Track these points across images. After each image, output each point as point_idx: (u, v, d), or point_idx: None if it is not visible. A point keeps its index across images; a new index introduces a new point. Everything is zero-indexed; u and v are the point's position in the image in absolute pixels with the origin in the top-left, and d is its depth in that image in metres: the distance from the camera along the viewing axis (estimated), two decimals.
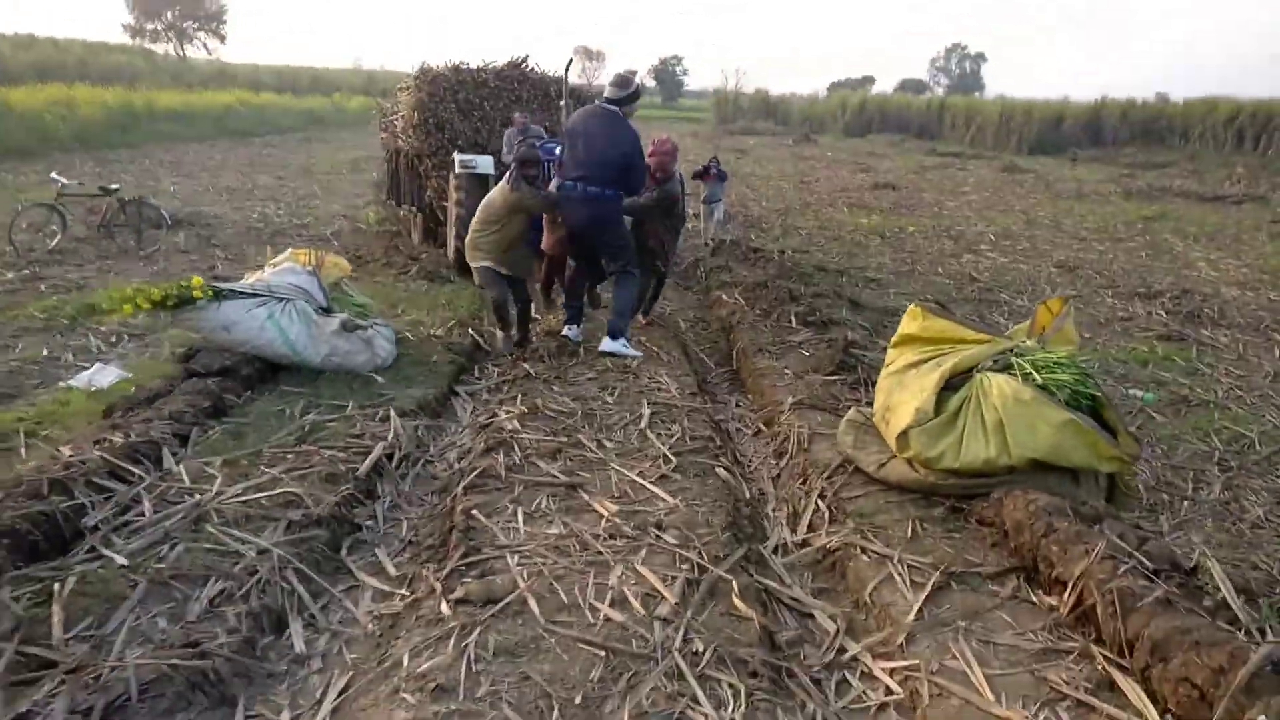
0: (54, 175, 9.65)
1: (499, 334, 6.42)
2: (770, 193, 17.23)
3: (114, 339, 6.29)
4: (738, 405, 5.64)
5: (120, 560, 2.95)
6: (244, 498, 3.44)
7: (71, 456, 3.48)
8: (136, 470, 3.50)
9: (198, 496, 3.41)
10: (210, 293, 4.69)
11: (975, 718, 2.40)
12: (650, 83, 77.42)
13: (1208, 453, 4.92)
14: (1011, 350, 3.78)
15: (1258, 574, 3.31)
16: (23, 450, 4.10)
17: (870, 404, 4.22)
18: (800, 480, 4.04)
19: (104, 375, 5.30)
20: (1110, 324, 8.00)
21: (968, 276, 9.83)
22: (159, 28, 58.91)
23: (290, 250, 5.87)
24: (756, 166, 22.78)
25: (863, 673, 2.72)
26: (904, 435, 3.62)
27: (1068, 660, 2.61)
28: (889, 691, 2.60)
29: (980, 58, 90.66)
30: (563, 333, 6.29)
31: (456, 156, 8.60)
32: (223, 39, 62.37)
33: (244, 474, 3.67)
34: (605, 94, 6.08)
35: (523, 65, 10.51)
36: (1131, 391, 5.94)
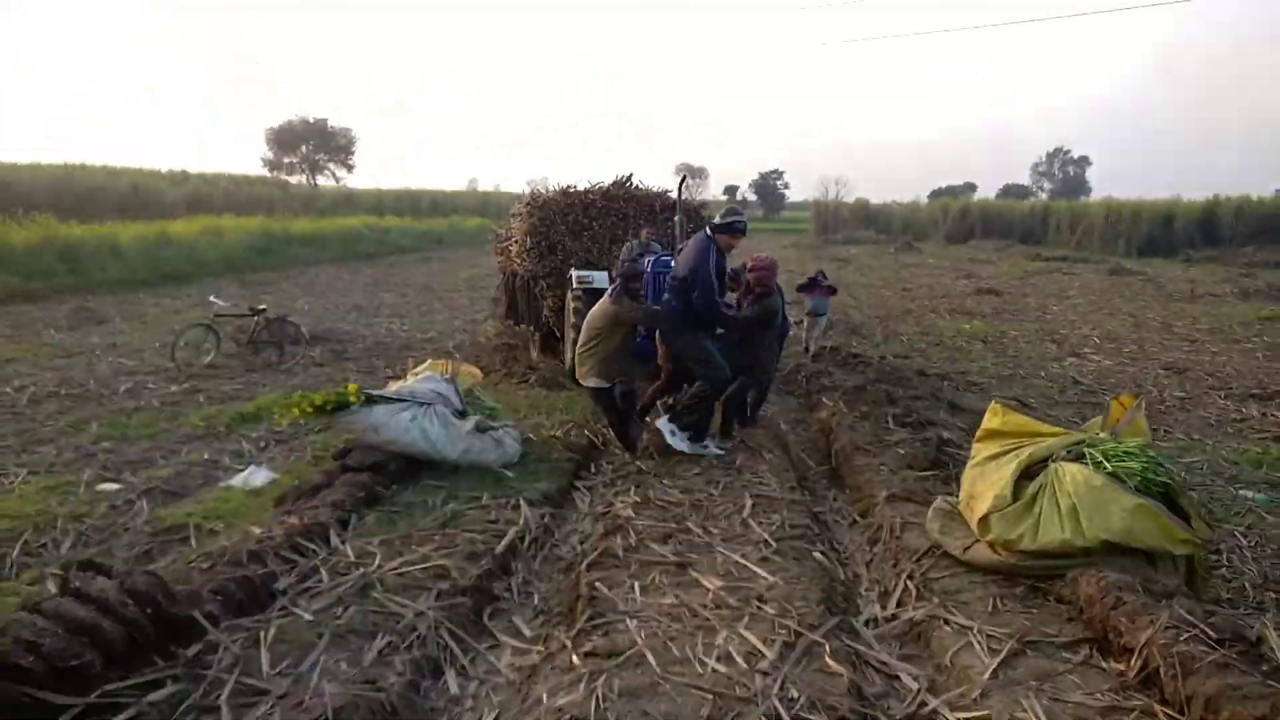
0: (212, 299, 10.82)
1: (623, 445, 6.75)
2: (871, 300, 17.56)
3: (263, 444, 7.02)
4: (835, 499, 5.93)
5: (307, 617, 3.57)
6: (400, 570, 4.01)
7: (261, 534, 4.12)
8: (311, 546, 4.12)
9: (363, 569, 4.00)
10: (363, 398, 5.42)
11: None
12: (751, 196, 79.44)
13: None
14: (1084, 442, 4.08)
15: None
16: (193, 540, 4.78)
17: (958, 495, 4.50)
18: (892, 563, 4.33)
19: (257, 476, 6.01)
20: (1222, 425, 7.96)
21: (1070, 379, 9.91)
22: (294, 160, 64.22)
23: (429, 360, 6.61)
24: (858, 275, 23.20)
25: None
26: (985, 520, 3.94)
27: (1130, 716, 2.83)
28: None
29: (1084, 161, 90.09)
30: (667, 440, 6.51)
31: (573, 274, 9.05)
32: (350, 168, 67.69)
33: (398, 551, 4.24)
34: (715, 221, 6.60)
35: (627, 184, 10.90)
36: (1242, 492, 5.97)
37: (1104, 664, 3.19)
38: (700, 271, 6.18)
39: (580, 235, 10.20)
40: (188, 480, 6.04)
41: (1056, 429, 4.27)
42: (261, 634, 3.37)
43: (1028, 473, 4.01)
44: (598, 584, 3.90)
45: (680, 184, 9.39)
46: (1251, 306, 16.44)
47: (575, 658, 3.22)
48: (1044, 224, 38.38)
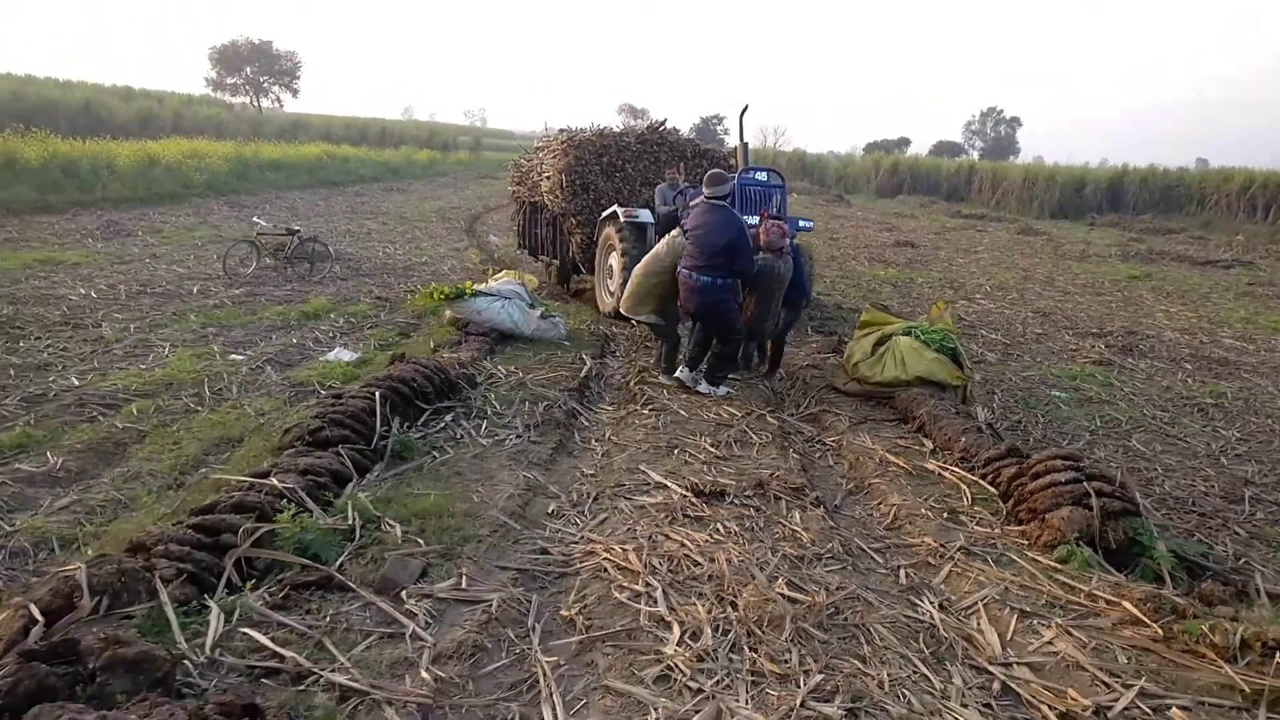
0: (255, 219, 12.83)
1: (663, 376, 7.62)
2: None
3: (331, 334, 9.19)
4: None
5: (502, 390, 6.70)
6: (534, 379, 7.09)
7: (447, 356, 7.19)
8: (474, 370, 7.06)
9: (514, 377, 7.12)
10: (471, 291, 8.32)
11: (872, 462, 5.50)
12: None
13: (1088, 426, 7.57)
14: (913, 327, 7.29)
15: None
16: (320, 392, 6.80)
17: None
18: (804, 392, 7.65)
19: (344, 354, 8.19)
20: (1062, 353, 10.59)
21: (957, 318, 12.50)
22: (238, 81, 63.99)
23: (505, 270, 9.18)
24: None
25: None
26: (855, 366, 7.28)
27: (909, 442, 5.99)
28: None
29: (1015, 121, 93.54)
30: (676, 375, 7.41)
31: (619, 209, 9.69)
32: (295, 93, 67.70)
33: (525, 371, 7.45)
34: (707, 193, 7.09)
35: (661, 128, 11.45)
36: (1052, 391, 8.62)
37: (903, 427, 6.43)
38: (747, 239, 6.96)
39: (613, 176, 10.71)
40: (291, 355, 8.11)
41: (899, 320, 7.59)
42: (485, 394, 6.41)
43: (880, 341, 7.22)
44: (643, 386, 7.11)
45: (741, 114, 9.90)
46: (1128, 267, 19.25)
47: (644, 411, 6.41)
48: (968, 183, 41.31)
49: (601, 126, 11.44)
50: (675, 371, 7.38)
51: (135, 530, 3.86)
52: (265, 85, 65.35)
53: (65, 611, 2.83)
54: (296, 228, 12.87)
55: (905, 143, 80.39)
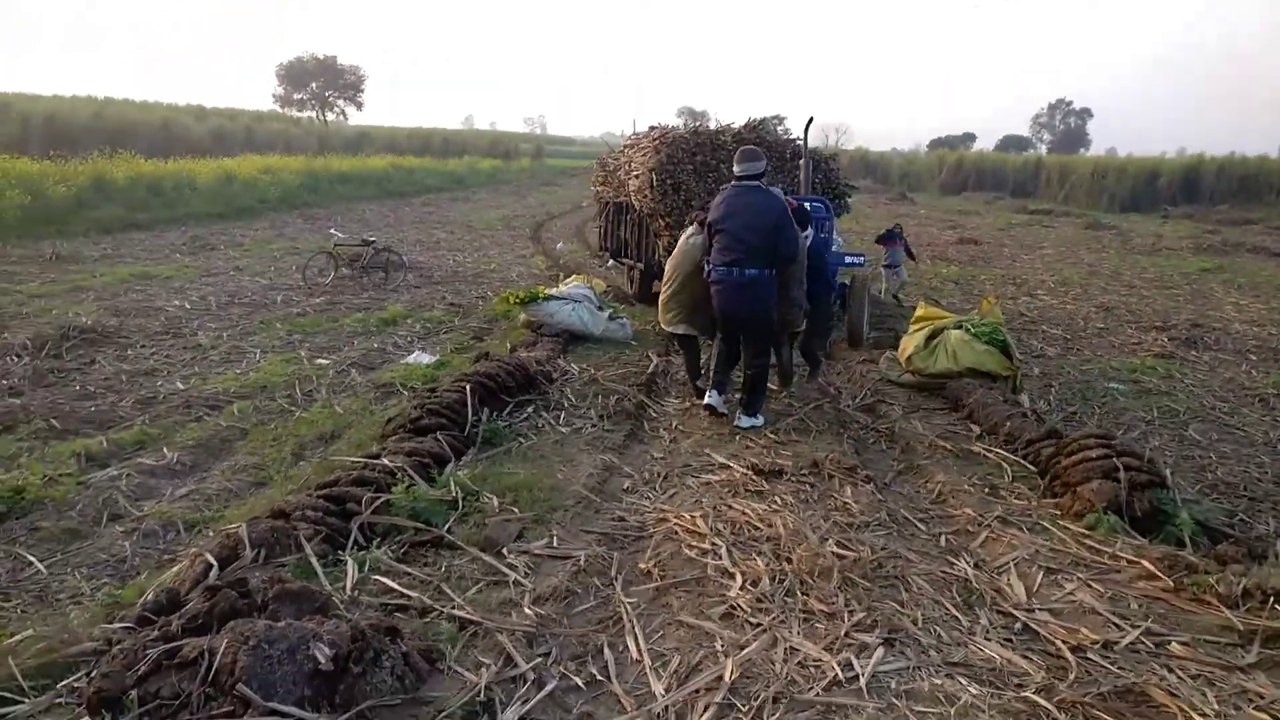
0: (331, 231, 13.70)
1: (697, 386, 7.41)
2: (863, 247, 20.34)
3: (410, 339, 9.87)
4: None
5: (577, 385, 7.45)
6: (605, 376, 7.72)
7: (525, 355, 7.88)
8: (550, 367, 7.71)
9: (586, 374, 7.69)
10: (544, 295, 9.00)
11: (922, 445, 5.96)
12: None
13: (1145, 417, 7.86)
14: (964, 321, 7.71)
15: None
16: (403, 392, 7.36)
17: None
18: (861, 384, 8.02)
19: (423, 357, 8.83)
20: (1123, 347, 10.73)
21: (1018, 314, 12.76)
22: (304, 97, 66.37)
23: (575, 275, 9.81)
24: (852, 223, 25.95)
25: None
26: (909, 359, 7.63)
27: (959, 426, 6.44)
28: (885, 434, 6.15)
29: (1085, 113, 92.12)
30: (706, 401, 6.87)
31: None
32: (360, 106, 70.02)
33: (597, 369, 8.07)
34: (738, 171, 6.40)
35: (759, 128, 10.95)
36: (1110, 384, 8.90)
37: (953, 415, 6.87)
38: (790, 219, 6.44)
39: (706, 177, 10.12)
40: (373, 359, 8.74)
41: (951, 314, 8.13)
42: (561, 389, 7.09)
43: (933, 335, 7.63)
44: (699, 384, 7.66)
45: (807, 126, 9.44)
46: (1199, 259, 19.06)
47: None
48: (1035, 178, 41.09)
49: (696, 124, 11.16)
50: (705, 396, 6.90)
51: (268, 503, 4.55)
52: (330, 100, 67.81)
53: (232, 560, 3.52)
54: (371, 238, 13.71)
55: (970, 139, 79.73)
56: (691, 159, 10.13)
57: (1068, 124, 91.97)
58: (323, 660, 2.62)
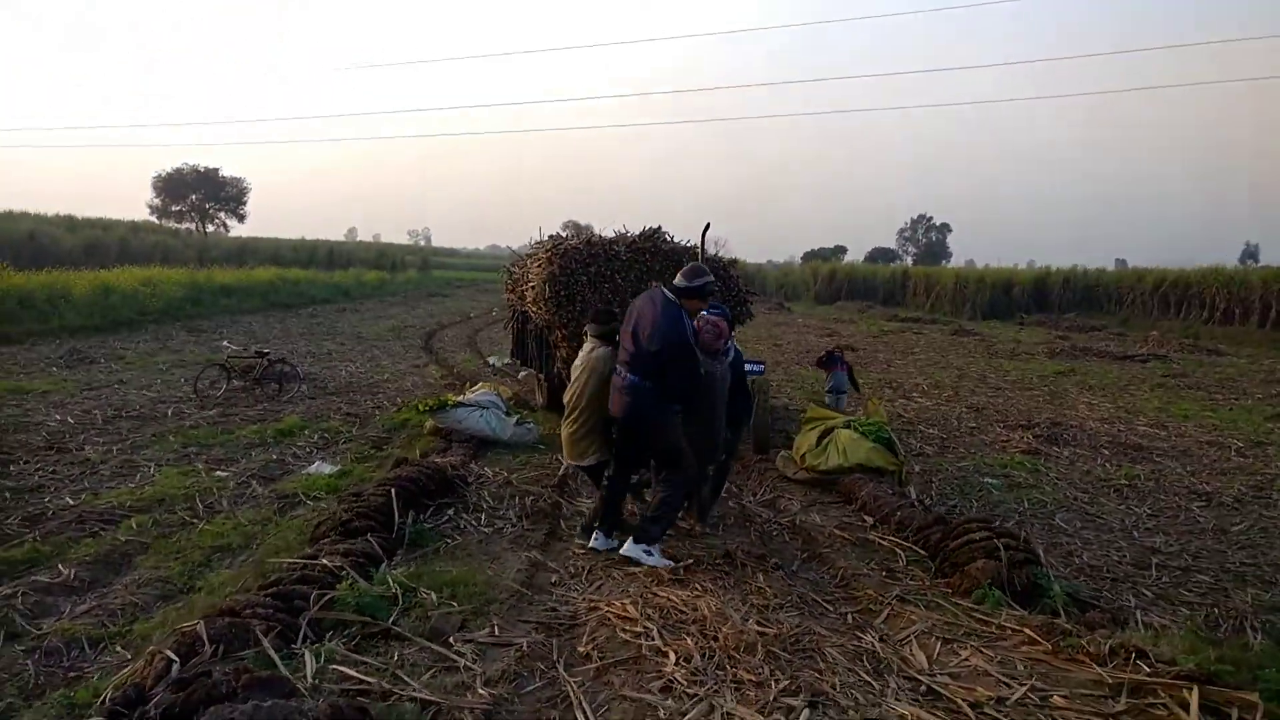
0: (224, 343, 13.67)
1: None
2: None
3: (308, 450, 9.87)
4: None
5: (493, 488, 7.62)
6: (519, 476, 8.07)
7: (442, 461, 7.94)
8: (463, 471, 7.93)
9: (504, 475, 8.09)
10: (452, 402, 9.09)
11: (823, 536, 6.34)
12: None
13: (1016, 508, 8.48)
14: (853, 421, 8.48)
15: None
16: (307, 503, 7.43)
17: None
18: (760, 481, 8.47)
19: (324, 467, 8.85)
20: (994, 444, 11.53)
21: (897, 415, 13.60)
22: (182, 209, 65.21)
23: (481, 383, 10.12)
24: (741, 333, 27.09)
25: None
26: (803, 456, 8.36)
27: (853, 517, 6.92)
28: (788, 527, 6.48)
29: (945, 228, 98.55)
30: (590, 544, 6.22)
31: (589, 328, 9.39)
32: (242, 218, 69.21)
33: (510, 472, 8.35)
34: (674, 282, 6.00)
35: (655, 236, 10.67)
36: (984, 479, 9.61)
37: (847, 507, 7.40)
38: (679, 341, 5.72)
39: (601, 287, 10.01)
40: (273, 470, 8.69)
41: (840, 414, 9.03)
42: (479, 492, 7.30)
43: (824, 434, 8.36)
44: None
45: (704, 232, 9.15)
46: (1054, 363, 20.51)
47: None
48: (903, 288, 43.82)
49: (590, 234, 10.98)
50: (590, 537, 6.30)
51: (205, 608, 4.63)
52: (211, 211, 66.85)
53: (191, 656, 3.65)
54: (266, 350, 13.69)
55: (842, 250, 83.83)
56: (586, 270, 10.03)
57: (929, 237, 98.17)
58: None
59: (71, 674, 4.35)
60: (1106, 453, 10.88)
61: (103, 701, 3.37)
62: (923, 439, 11.48)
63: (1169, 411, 14.11)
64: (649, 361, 5.70)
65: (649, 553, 5.82)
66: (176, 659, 3.55)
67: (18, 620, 4.89)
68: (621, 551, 5.91)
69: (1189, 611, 5.55)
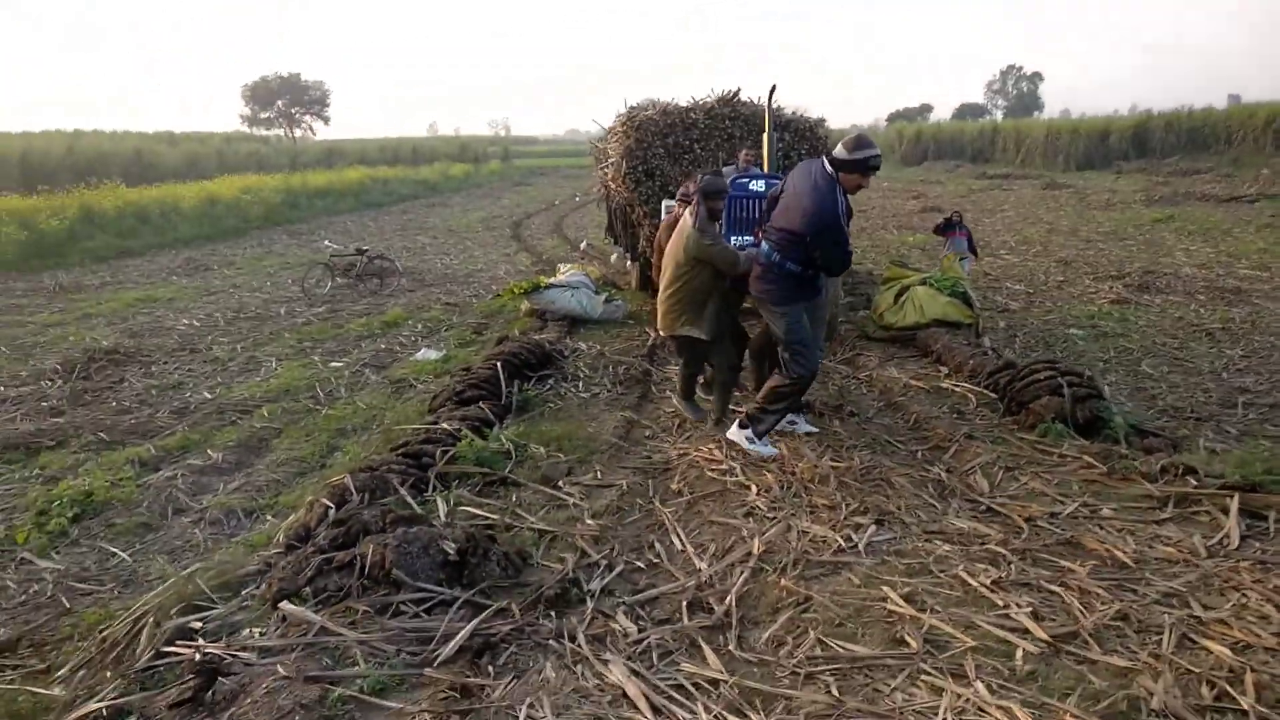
0: (326, 243, 14.40)
1: (682, 403, 6.45)
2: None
3: (414, 338, 10.49)
4: None
5: (589, 359, 8.27)
6: (610, 350, 8.63)
7: (538, 337, 8.72)
8: (560, 346, 8.58)
9: (597, 348, 8.72)
10: (545, 284, 9.76)
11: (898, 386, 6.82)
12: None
13: (1102, 357, 8.50)
14: (928, 278, 8.78)
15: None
16: (417, 386, 8.03)
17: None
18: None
19: (430, 353, 9.44)
20: (1082, 296, 11.42)
21: (983, 273, 13.52)
22: (272, 116, 66.78)
23: (570, 264, 10.70)
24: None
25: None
26: (880, 314, 8.70)
27: (926, 367, 7.46)
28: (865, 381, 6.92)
29: (1036, 77, 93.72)
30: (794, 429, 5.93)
31: (665, 204, 8.85)
32: (326, 120, 70.73)
33: (602, 345, 8.92)
34: (834, 150, 5.23)
35: (733, 100, 10.14)
36: (1071, 330, 9.67)
37: (924, 360, 7.82)
38: (830, 222, 5.11)
39: (680, 159, 9.63)
40: (382, 359, 9.30)
41: (916, 272, 9.26)
42: (575, 364, 7.96)
43: (901, 292, 8.68)
44: None
45: (770, 94, 8.55)
46: (1151, 211, 19.83)
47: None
48: (992, 144, 42.22)
49: (666, 103, 10.39)
50: (686, 408, 6.37)
51: (347, 467, 5.34)
52: (297, 116, 68.65)
53: (344, 503, 4.35)
54: (365, 247, 14.41)
55: (928, 110, 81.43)
56: (663, 141, 9.67)
57: (1020, 89, 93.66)
58: (450, 552, 3.50)
59: (234, 538, 5.02)
60: (1202, 298, 10.68)
61: (286, 537, 4.09)
62: (1008, 295, 11.41)
63: (1274, 253, 13.60)
64: (789, 238, 5.23)
65: (752, 440, 5.46)
66: (332, 505, 4.24)
67: (181, 498, 5.62)
68: (728, 435, 5.62)
69: (1269, 444, 5.48)
